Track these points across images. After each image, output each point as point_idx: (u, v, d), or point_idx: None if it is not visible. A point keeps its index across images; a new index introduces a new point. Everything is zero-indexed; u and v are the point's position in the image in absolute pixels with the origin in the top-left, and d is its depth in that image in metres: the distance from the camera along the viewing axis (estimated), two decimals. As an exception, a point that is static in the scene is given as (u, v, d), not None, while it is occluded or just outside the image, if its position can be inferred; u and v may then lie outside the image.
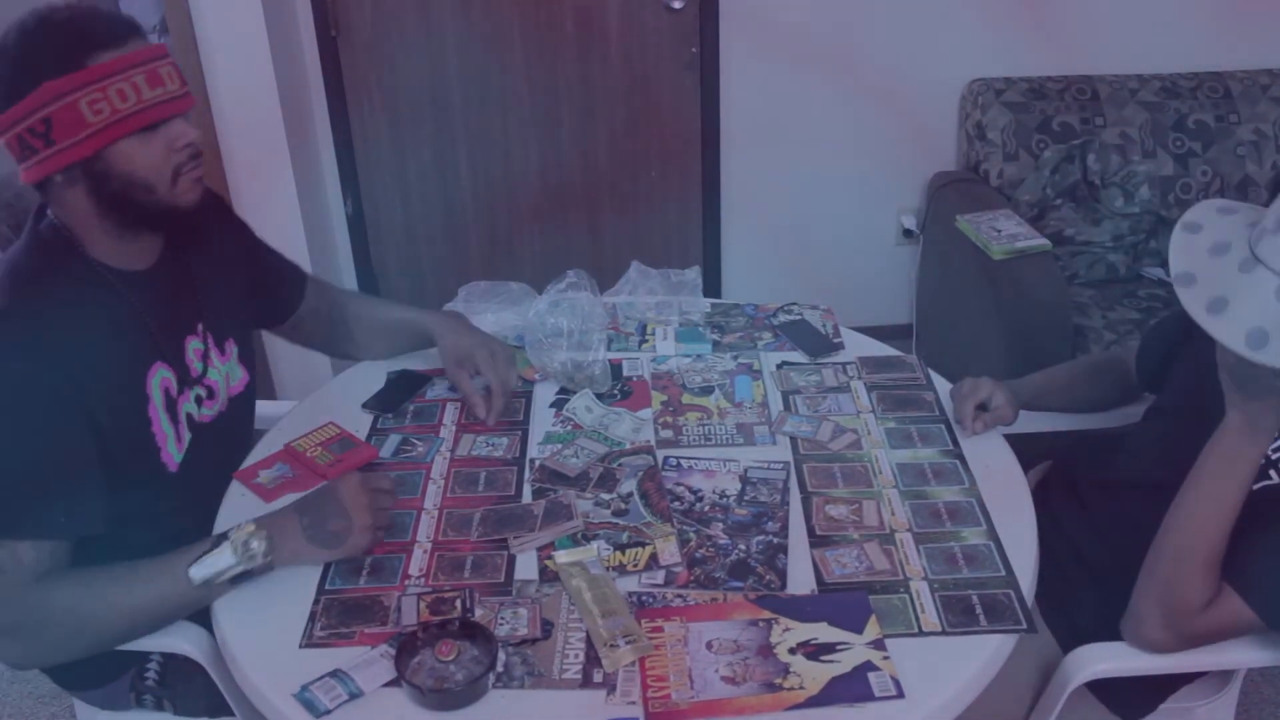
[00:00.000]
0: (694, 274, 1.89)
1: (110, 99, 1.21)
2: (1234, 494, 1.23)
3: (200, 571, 1.23)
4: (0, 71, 1.22)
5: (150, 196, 1.28)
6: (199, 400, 1.44)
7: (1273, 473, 1.28)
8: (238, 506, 1.42)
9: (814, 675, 1.13)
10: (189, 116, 1.31)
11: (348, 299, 1.76)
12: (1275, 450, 1.28)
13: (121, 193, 1.27)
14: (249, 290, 1.59)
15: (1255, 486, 1.26)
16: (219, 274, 1.51)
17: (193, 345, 1.45)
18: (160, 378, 1.37)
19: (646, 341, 1.80)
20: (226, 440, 1.52)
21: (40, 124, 1.21)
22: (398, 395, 1.66)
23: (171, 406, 1.38)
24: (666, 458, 1.50)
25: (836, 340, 1.79)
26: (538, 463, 1.49)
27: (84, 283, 1.31)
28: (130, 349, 1.34)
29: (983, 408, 1.54)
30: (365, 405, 1.64)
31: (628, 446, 1.53)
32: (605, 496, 1.42)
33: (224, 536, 1.25)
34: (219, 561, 1.24)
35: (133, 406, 1.33)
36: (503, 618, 1.22)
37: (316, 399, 1.68)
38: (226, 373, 1.51)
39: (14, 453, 1.21)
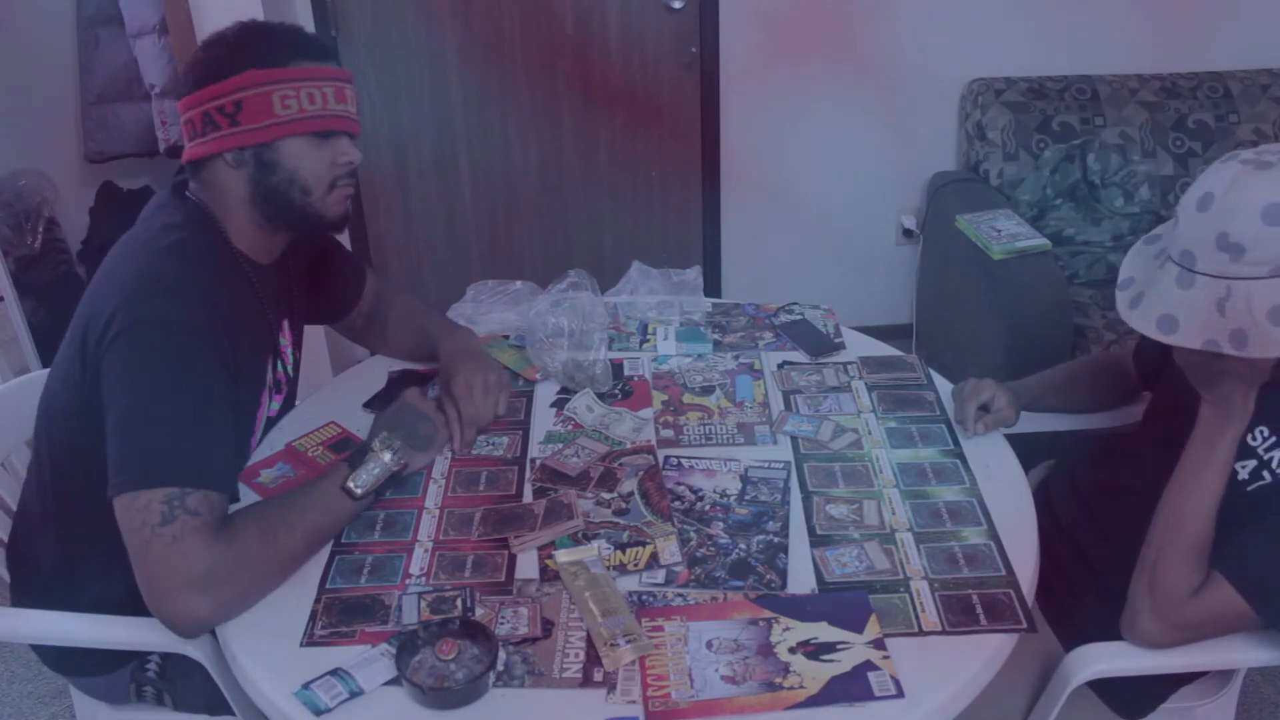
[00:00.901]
0: (695, 274, 1.90)
1: (300, 99, 1.34)
2: (1214, 480, 1.26)
3: (360, 482, 1.34)
4: (212, 53, 1.35)
5: (305, 198, 1.39)
6: (270, 393, 1.50)
7: (1266, 473, 1.28)
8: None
9: (814, 674, 1.13)
10: (356, 141, 1.42)
11: (396, 296, 1.78)
12: (1269, 450, 1.28)
13: (281, 187, 1.37)
14: (315, 289, 1.64)
15: (1250, 487, 1.28)
16: (298, 276, 1.58)
17: (282, 341, 1.52)
18: (270, 370, 1.45)
19: (647, 341, 1.80)
20: None
21: (232, 104, 1.33)
22: (399, 395, 1.66)
23: (270, 393, 1.46)
24: (667, 457, 1.50)
25: (837, 340, 1.79)
26: (538, 462, 1.50)
27: (229, 265, 1.39)
28: (260, 333, 1.43)
29: (984, 409, 1.54)
30: (366, 405, 1.64)
31: (628, 446, 1.53)
32: (606, 496, 1.42)
33: (362, 453, 1.36)
34: (373, 470, 1.35)
35: (255, 388, 1.42)
36: (503, 617, 1.22)
37: (317, 399, 1.68)
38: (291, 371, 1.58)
39: (204, 409, 1.27)
